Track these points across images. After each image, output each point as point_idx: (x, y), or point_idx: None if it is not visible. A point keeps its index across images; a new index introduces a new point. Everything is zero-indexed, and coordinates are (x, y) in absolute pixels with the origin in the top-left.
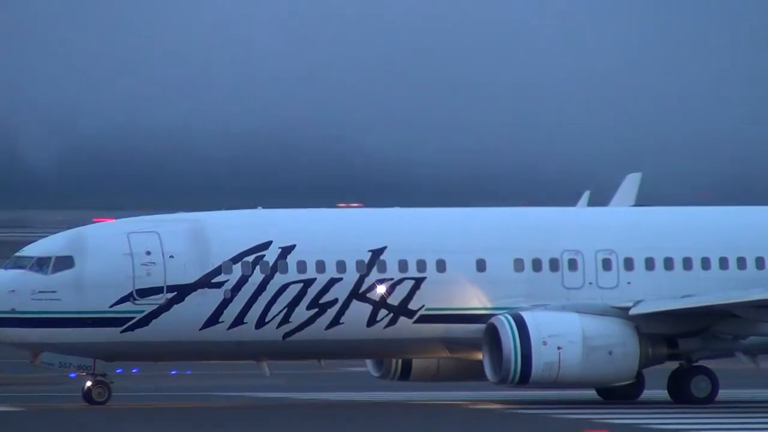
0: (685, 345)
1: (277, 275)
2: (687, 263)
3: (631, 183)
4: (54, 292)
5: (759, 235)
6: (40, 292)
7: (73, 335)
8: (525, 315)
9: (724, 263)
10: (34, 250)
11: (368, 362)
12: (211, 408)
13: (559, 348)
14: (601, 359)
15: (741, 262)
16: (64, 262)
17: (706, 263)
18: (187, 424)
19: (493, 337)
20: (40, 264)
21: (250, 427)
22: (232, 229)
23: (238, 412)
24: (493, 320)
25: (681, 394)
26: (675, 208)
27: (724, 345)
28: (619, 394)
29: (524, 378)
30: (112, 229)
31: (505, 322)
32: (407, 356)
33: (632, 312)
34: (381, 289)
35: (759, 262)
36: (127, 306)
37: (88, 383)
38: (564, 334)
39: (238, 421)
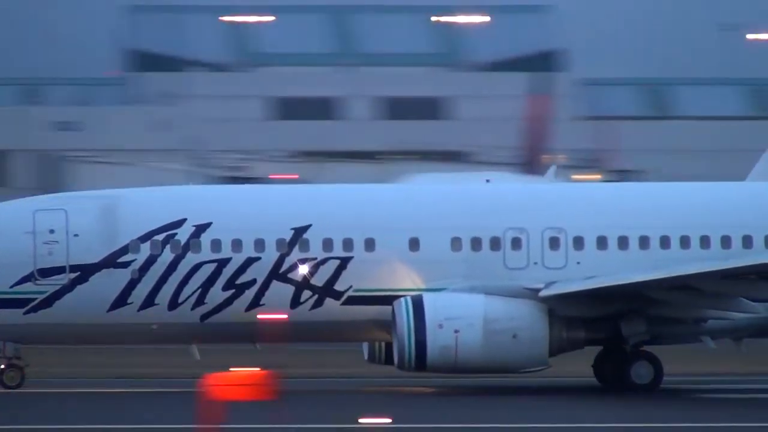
0: (627, 329)
1: (189, 254)
2: (644, 242)
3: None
4: None
5: (725, 212)
6: None
7: None
8: (425, 296)
9: (685, 242)
10: None
11: (363, 345)
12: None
13: (456, 331)
14: (504, 343)
15: (705, 241)
16: None
17: (665, 242)
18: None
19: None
20: None
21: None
22: (145, 206)
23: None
24: (394, 302)
25: (622, 381)
26: (633, 184)
27: (677, 329)
28: (617, 379)
29: (420, 363)
30: (20, 206)
31: (403, 305)
32: (343, 339)
33: (542, 294)
34: (303, 269)
35: (724, 241)
36: (29, 286)
37: (1, 366)
38: (463, 316)
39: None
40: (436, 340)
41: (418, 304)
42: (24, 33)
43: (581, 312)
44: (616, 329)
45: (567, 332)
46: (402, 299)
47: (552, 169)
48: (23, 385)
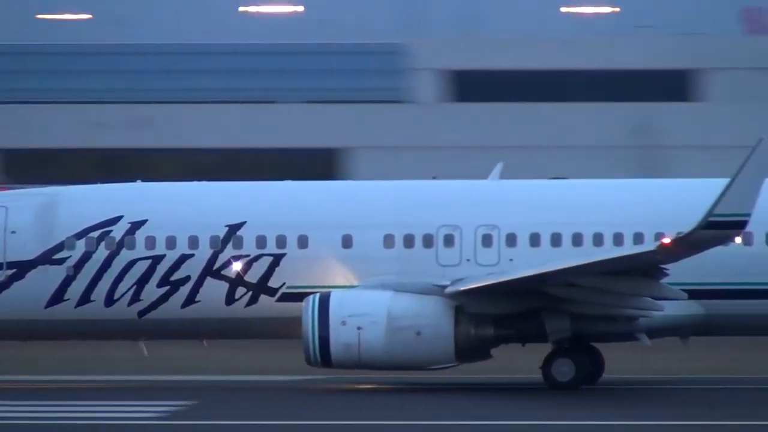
0: (549, 326)
1: (124, 251)
2: (577, 239)
3: None
4: None
5: (658, 210)
6: None
7: None
8: (332, 294)
9: (618, 239)
10: None
11: None
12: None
13: (359, 328)
14: (407, 341)
15: (638, 238)
16: None
17: (598, 239)
18: None
19: None
20: None
21: None
22: (84, 203)
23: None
24: (304, 299)
25: (547, 378)
26: (567, 181)
27: (604, 326)
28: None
29: (325, 360)
30: None
31: (310, 302)
32: (280, 336)
33: (447, 291)
34: (237, 266)
35: (658, 238)
36: None
37: None
38: (366, 314)
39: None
40: (338, 337)
41: (324, 301)
42: None
43: (491, 309)
44: (536, 327)
45: (475, 329)
46: (311, 296)
47: (498, 167)
48: None
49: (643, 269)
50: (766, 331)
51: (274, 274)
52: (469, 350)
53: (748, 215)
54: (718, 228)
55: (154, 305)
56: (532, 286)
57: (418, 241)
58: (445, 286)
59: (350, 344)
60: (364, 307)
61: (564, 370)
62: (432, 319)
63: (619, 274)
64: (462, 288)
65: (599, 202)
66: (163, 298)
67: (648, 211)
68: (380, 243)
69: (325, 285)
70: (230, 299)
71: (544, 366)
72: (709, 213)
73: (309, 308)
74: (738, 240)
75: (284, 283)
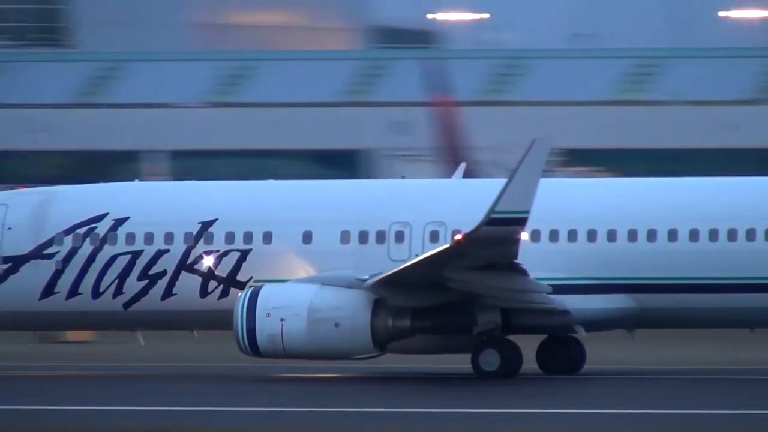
0: (480, 318)
1: (106, 247)
2: None
3: None
4: None
5: (598, 208)
6: None
7: None
8: (263, 287)
9: (553, 235)
10: None
11: None
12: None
13: (282, 320)
14: (327, 332)
15: (572, 235)
16: None
17: (535, 236)
18: None
19: None
20: None
21: None
22: (75, 201)
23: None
24: (240, 292)
25: (476, 368)
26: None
27: (534, 319)
28: (559, 368)
29: (254, 349)
30: None
31: (243, 295)
32: None
33: (365, 284)
34: (208, 261)
35: (590, 235)
36: None
37: None
38: (290, 306)
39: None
40: (263, 329)
41: (254, 295)
42: None
43: (408, 302)
44: (456, 319)
45: (393, 321)
46: (245, 290)
47: (461, 167)
48: None
49: (503, 265)
50: (697, 324)
51: (242, 268)
52: (388, 341)
53: (527, 212)
54: (500, 224)
55: (136, 297)
56: (434, 280)
57: (372, 238)
58: (365, 280)
59: (275, 335)
60: (288, 300)
61: (490, 360)
62: (349, 311)
63: (484, 270)
64: (371, 282)
65: (544, 199)
66: (144, 291)
67: (583, 208)
68: (337, 239)
69: (288, 279)
70: (204, 292)
71: (472, 356)
72: (491, 210)
73: (240, 301)
74: (525, 236)
75: (251, 277)
